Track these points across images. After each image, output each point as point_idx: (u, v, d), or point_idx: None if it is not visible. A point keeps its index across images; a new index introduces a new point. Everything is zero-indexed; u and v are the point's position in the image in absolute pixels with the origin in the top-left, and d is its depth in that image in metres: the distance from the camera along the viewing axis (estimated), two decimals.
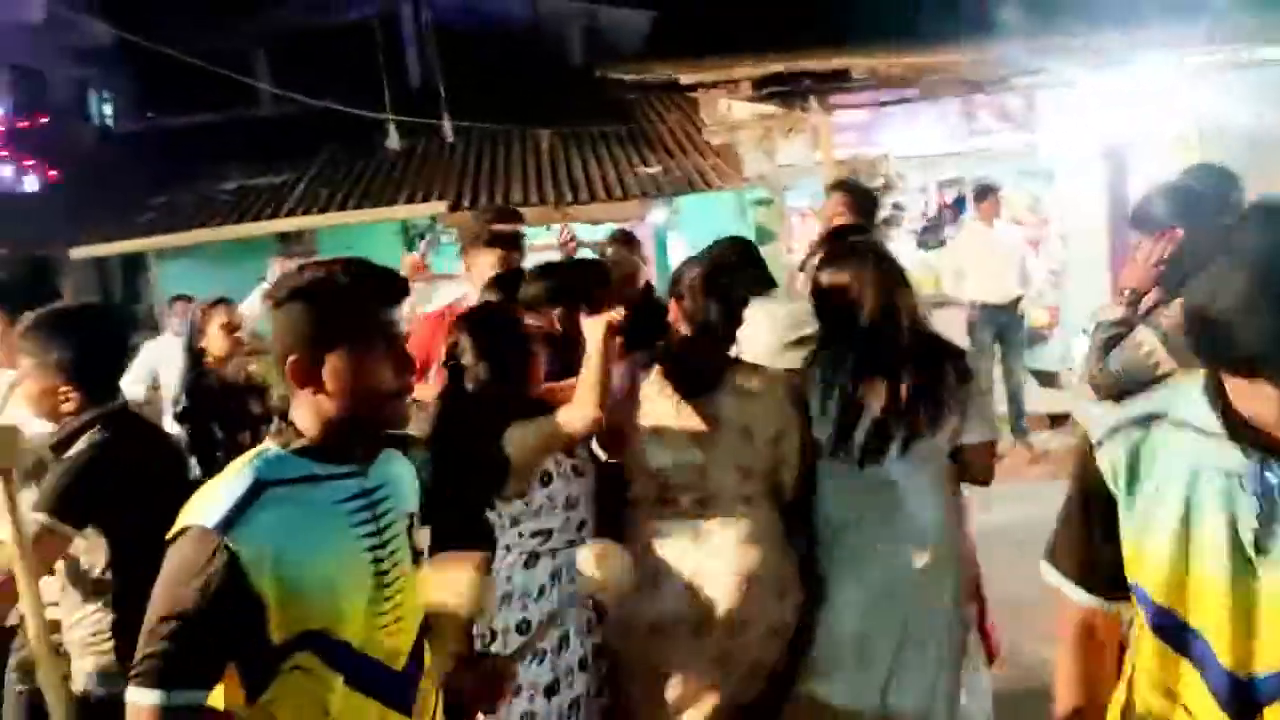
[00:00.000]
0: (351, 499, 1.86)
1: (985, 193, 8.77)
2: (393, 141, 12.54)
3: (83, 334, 2.77)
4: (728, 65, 9.46)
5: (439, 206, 10.48)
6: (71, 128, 15.74)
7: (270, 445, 1.85)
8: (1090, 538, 1.81)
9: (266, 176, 12.17)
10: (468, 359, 2.94)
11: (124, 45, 17.08)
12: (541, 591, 2.89)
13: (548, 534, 2.92)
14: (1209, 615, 1.61)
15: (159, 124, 15.83)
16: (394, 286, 1.94)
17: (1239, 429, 1.57)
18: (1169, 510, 1.64)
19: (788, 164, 9.85)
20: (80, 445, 2.71)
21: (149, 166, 13.36)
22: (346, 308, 1.84)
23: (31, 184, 13.97)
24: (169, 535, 1.76)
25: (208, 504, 1.74)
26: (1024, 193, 10.33)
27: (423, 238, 12.75)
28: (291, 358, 1.82)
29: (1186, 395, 1.66)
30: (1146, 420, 1.71)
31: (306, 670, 1.78)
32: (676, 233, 12.01)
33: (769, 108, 9.13)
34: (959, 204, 10.98)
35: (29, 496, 2.67)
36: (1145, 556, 1.68)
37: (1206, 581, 1.60)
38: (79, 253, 10.42)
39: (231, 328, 5.18)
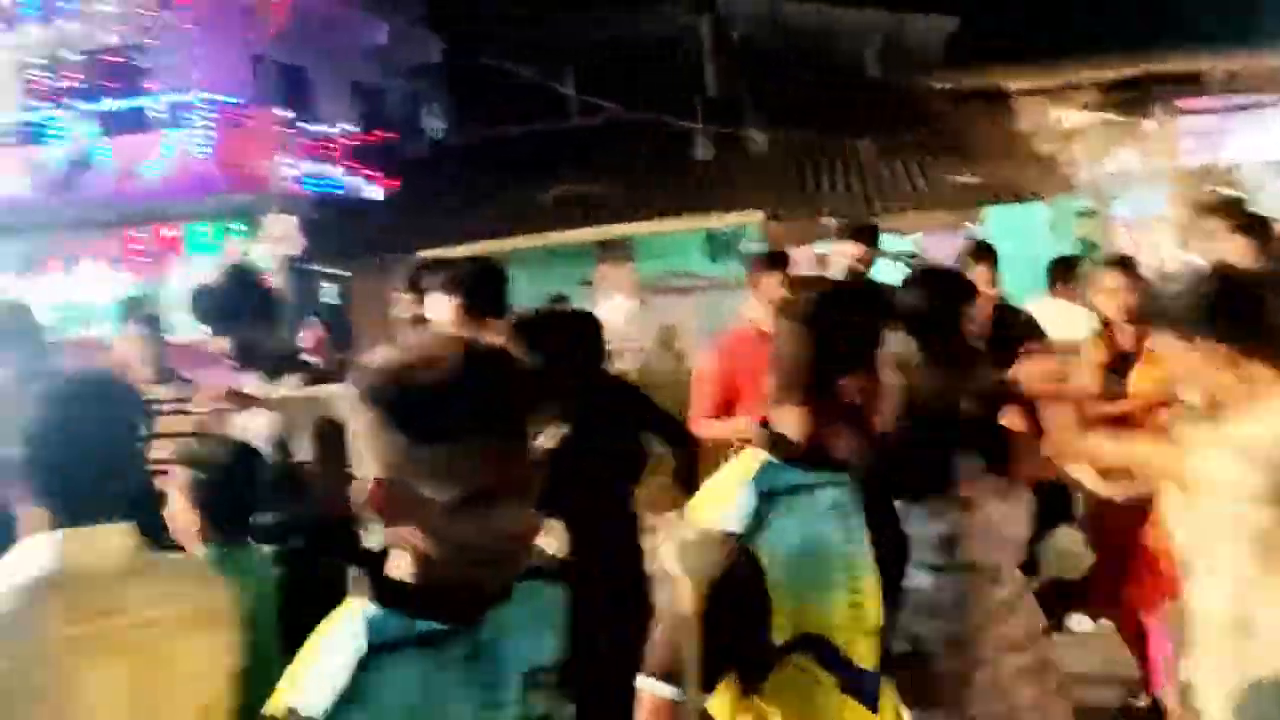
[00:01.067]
0: (833, 507, 1.98)
1: None
2: (700, 151, 12.89)
3: (558, 338, 3.06)
4: (1054, 69, 9.15)
5: (753, 216, 10.69)
6: (406, 140, 17.14)
7: (764, 454, 1.99)
8: None
9: (585, 185, 12.81)
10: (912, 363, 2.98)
11: (452, 62, 18.55)
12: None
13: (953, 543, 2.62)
14: None
15: (484, 135, 16.96)
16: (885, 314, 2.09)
17: None
18: None
19: (1118, 173, 9.42)
20: (543, 439, 2.88)
21: (475, 176, 14.34)
22: (858, 332, 1.98)
23: (373, 194, 15.31)
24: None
25: (722, 508, 1.89)
26: None
27: (727, 245, 13.11)
28: (802, 371, 1.97)
29: None
30: None
31: (801, 670, 1.89)
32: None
33: (1106, 114, 8.77)
34: None
35: None
36: None
37: None
38: (424, 255, 11.34)
39: None
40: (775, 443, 1.99)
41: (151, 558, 1.92)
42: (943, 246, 11.39)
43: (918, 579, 2.58)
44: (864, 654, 2.00)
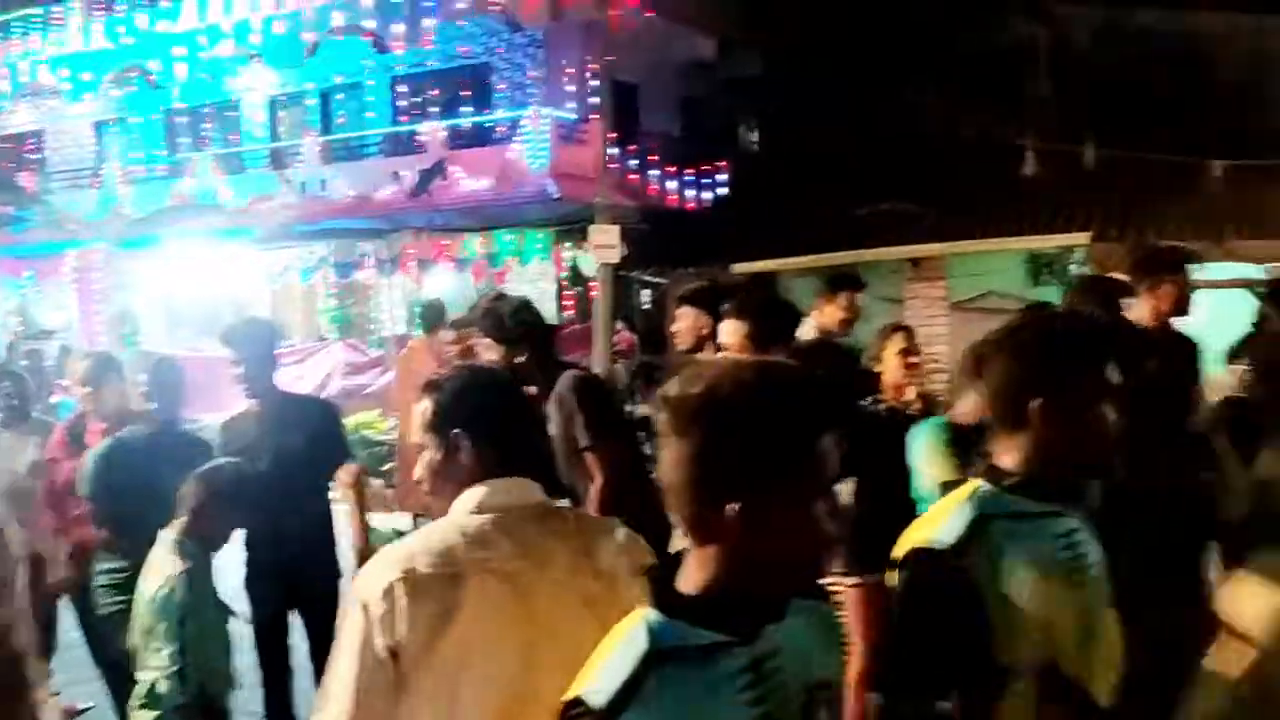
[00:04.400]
0: (1062, 535, 1.96)
1: None
2: (1029, 168, 12.40)
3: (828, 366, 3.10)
4: None
5: (1082, 237, 10.18)
6: (727, 154, 17.55)
7: (981, 482, 2.00)
8: None
9: (897, 202, 12.65)
10: None
11: (772, 77, 18.80)
12: None
13: None
14: None
15: (796, 150, 17.09)
16: (1105, 346, 2.05)
17: None
18: None
19: None
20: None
21: (793, 190, 14.47)
22: (1058, 360, 1.97)
23: (694, 206, 15.80)
24: (899, 556, 1.96)
25: (936, 528, 1.93)
26: None
27: (1049, 268, 12.51)
28: (1002, 402, 1.98)
29: None
30: None
31: (1027, 700, 1.87)
32: None
33: None
34: None
35: None
36: None
37: None
38: (738, 269, 11.65)
39: (908, 353, 4.80)
40: (995, 471, 2.01)
41: None
42: None
43: None
44: (1101, 690, 1.97)
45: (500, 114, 14.96)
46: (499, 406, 2.18)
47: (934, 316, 11.49)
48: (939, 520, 1.96)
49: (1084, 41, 15.57)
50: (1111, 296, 4.29)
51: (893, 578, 1.97)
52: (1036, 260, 12.30)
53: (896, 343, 4.75)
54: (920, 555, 1.92)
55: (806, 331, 6.45)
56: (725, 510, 1.38)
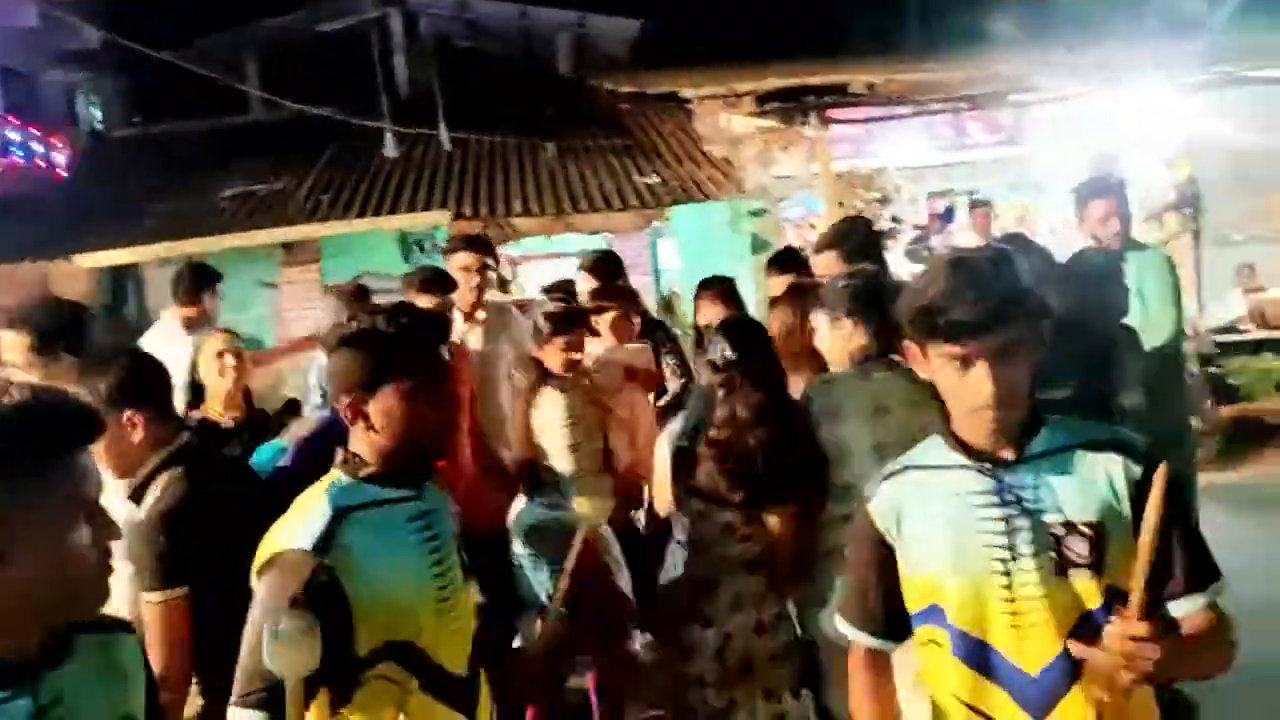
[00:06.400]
0: (415, 519, 2.06)
1: (976, 205, 9.04)
2: (389, 150, 12.63)
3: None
4: (724, 77, 9.65)
5: (443, 216, 10.59)
6: (65, 133, 15.64)
7: (339, 474, 2.04)
8: (872, 585, 2.00)
9: (266, 183, 12.22)
10: None
11: (114, 50, 17.08)
12: None
13: None
14: (994, 625, 1.82)
15: (152, 130, 15.80)
16: (435, 331, 2.19)
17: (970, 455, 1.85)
18: (938, 543, 1.87)
19: (784, 175, 10.06)
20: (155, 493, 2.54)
21: (144, 172, 13.36)
22: (393, 353, 2.04)
23: (25, 190, 13.86)
24: (258, 565, 1.93)
25: (295, 529, 1.93)
26: (1013, 205, 10.59)
27: (420, 246, 12.89)
28: (345, 398, 2.03)
29: (929, 443, 1.95)
30: (902, 470, 1.97)
31: (387, 679, 1.95)
32: (668, 240, 12.22)
33: (767, 121, 9.33)
34: (948, 215, 11.23)
35: None
36: (933, 588, 1.88)
37: (985, 596, 1.82)
38: (83, 260, 10.43)
39: (225, 355, 4.39)
40: (350, 463, 2.06)
41: None
42: (631, 246, 11.74)
43: None
44: (456, 659, 2.08)
45: None
46: None
47: (311, 300, 11.22)
48: (298, 518, 1.96)
49: (438, 25, 16.20)
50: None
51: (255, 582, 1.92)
52: (407, 239, 12.59)
53: (214, 344, 4.35)
54: (277, 559, 1.90)
55: (168, 329, 5.80)
56: None
